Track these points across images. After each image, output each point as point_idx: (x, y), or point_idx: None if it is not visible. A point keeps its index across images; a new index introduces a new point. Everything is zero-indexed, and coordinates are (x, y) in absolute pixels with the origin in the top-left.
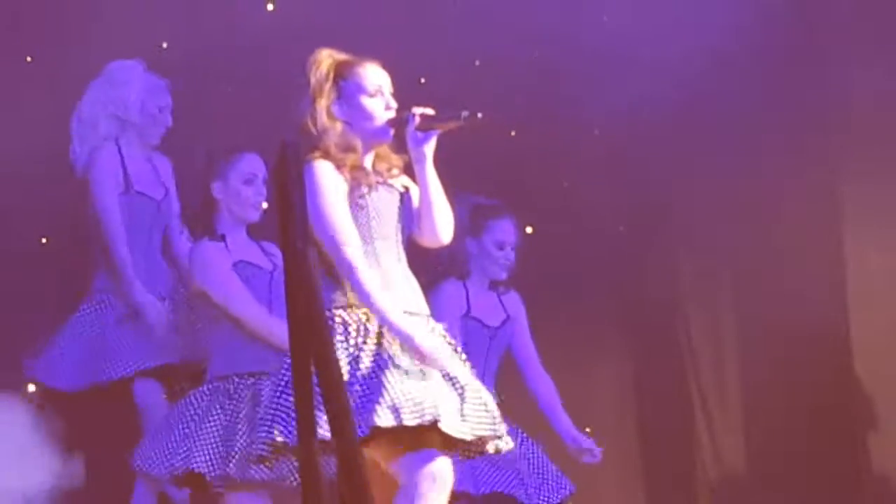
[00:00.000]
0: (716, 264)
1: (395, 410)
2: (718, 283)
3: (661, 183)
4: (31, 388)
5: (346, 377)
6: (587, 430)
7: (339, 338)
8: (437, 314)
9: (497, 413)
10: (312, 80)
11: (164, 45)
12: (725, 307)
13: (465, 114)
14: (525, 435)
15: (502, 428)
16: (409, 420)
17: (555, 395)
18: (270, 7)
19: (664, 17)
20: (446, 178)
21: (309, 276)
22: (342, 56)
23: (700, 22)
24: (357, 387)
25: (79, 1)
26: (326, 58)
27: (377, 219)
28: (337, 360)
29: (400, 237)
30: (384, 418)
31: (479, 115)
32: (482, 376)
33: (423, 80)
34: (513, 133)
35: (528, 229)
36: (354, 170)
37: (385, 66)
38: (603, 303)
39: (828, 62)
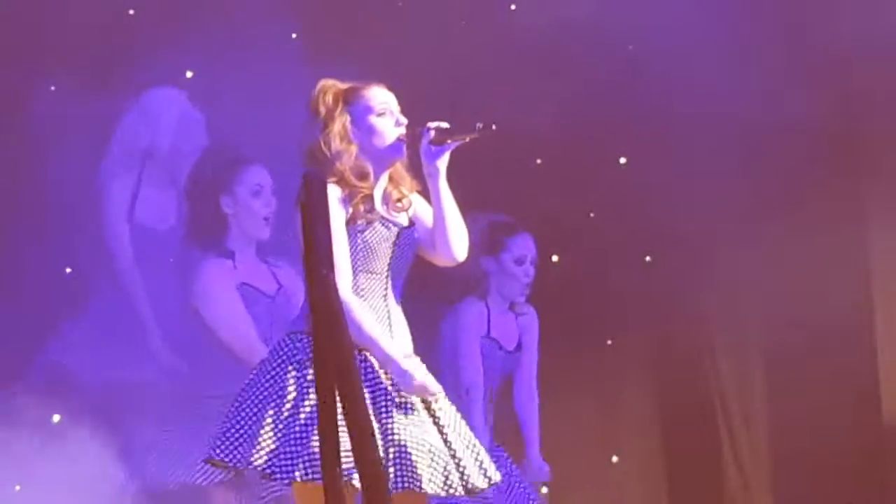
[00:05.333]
0: (743, 295)
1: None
2: (745, 315)
3: (688, 213)
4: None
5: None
6: (614, 459)
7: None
8: (458, 334)
9: (443, 465)
10: (321, 110)
11: (189, 73)
12: (752, 338)
13: (479, 125)
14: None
15: (452, 481)
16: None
17: (536, 421)
18: (294, 36)
19: (691, 46)
20: (471, 205)
21: (334, 304)
22: (345, 84)
23: (728, 53)
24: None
25: (104, 28)
26: (331, 87)
27: (365, 251)
28: (361, 387)
29: (391, 273)
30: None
31: (494, 126)
32: (486, 395)
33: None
34: (539, 161)
35: (554, 258)
36: (363, 201)
37: (410, 92)
38: (629, 332)
39: (854, 94)
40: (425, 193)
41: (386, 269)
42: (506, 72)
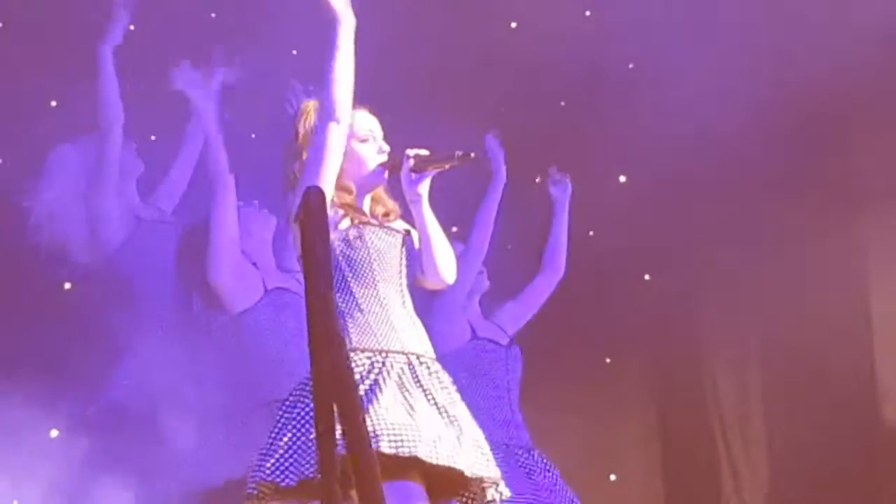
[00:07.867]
0: (741, 313)
1: (375, 437)
2: (744, 333)
3: (687, 231)
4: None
5: None
6: (612, 477)
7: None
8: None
9: (491, 457)
10: (301, 131)
11: None
12: (751, 356)
13: (458, 153)
14: (548, 463)
15: (496, 472)
16: (386, 448)
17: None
18: (294, 52)
19: (691, 66)
20: (470, 223)
21: (332, 320)
22: None
23: (729, 74)
24: None
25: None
26: (314, 109)
27: (379, 260)
28: (361, 406)
29: (404, 281)
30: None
31: (472, 154)
32: (507, 396)
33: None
34: (537, 180)
35: None
36: (355, 213)
37: (406, 113)
38: (628, 351)
39: (851, 131)
40: (407, 219)
41: (398, 276)
42: (505, 90)
